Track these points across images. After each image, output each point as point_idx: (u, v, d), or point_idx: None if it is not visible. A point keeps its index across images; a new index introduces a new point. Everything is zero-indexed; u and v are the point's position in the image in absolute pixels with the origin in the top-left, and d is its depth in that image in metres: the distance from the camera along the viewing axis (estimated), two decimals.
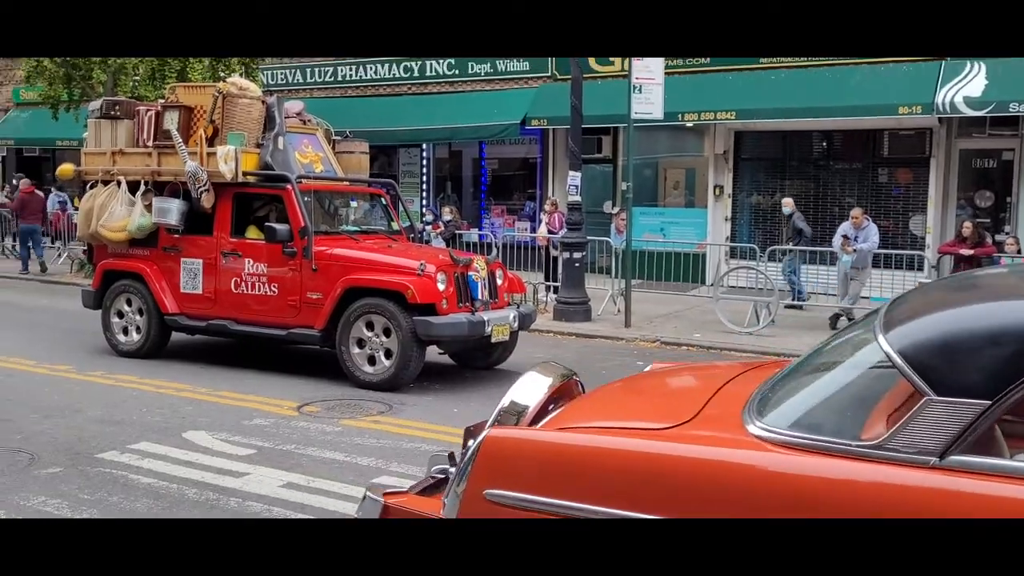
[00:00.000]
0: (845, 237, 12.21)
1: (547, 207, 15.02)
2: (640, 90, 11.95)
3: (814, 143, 16.00)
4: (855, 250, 12.08)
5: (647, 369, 4.17)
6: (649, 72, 11.92)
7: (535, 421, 3.17)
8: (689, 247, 15.22)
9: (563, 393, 3.45)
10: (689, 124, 15.69)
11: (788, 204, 14.03)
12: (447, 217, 15.38)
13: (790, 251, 13.27)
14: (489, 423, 3.19)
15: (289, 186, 8.89)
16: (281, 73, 19.76)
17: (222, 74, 15.48)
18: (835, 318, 12.42)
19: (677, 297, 14.19)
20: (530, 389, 3.26)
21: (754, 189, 16.28)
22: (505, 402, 3.21)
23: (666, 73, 12.42)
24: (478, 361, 9.36)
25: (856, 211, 12.47)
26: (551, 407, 3.28)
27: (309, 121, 10.18)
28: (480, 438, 2.90)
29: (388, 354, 8.35)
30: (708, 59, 15.59)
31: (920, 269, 12.82)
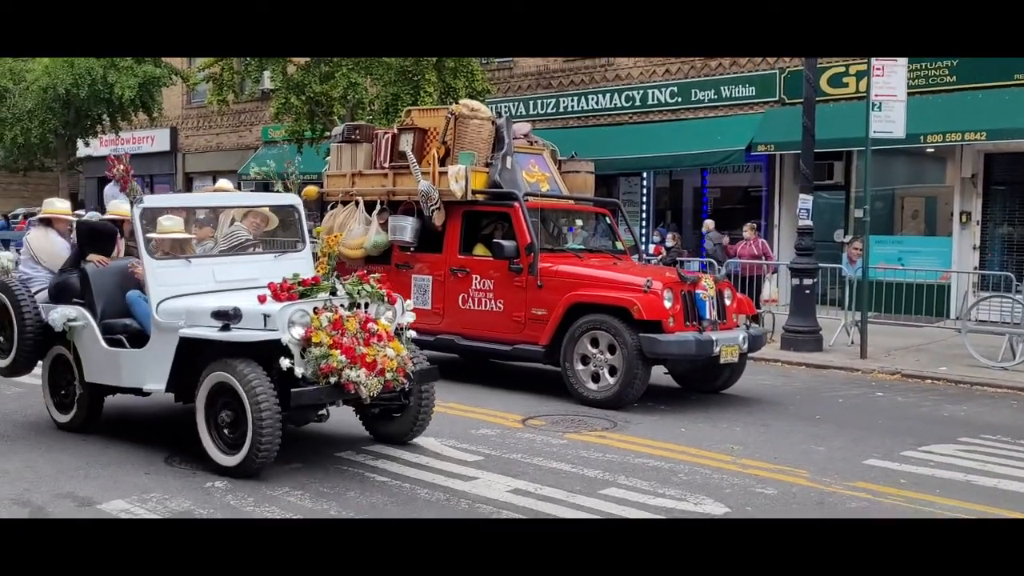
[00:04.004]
0: None
1: (746, 233, 14.39)
2: (880, 107, 11.25)
3: None
4: None
5: None
6: (890, 88, 11.21)
7: None
8: (932, 276, 14.11)
9: None
10: (930, 149, 14.67)
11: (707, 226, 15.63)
12: (669, 243, 15.11)
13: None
14: None
15: (516, 204, 8.97)
16: (505, 105, 20.24)
17: (451, 103, 16.05)
18: None
19: (916, 329, 13.17)
20: None
21: (1007, 216, 14.94)
22: None
23: (908, 93, 11.65)
24: (704, 384, 9.02)
25: None
26: None
27: (536, 142, 10.30)
28: None
29: (612, 371, 8.19)
30: (954, 77, 14.56)
31: None
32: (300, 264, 6.80)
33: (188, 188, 28.54)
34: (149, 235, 6.48)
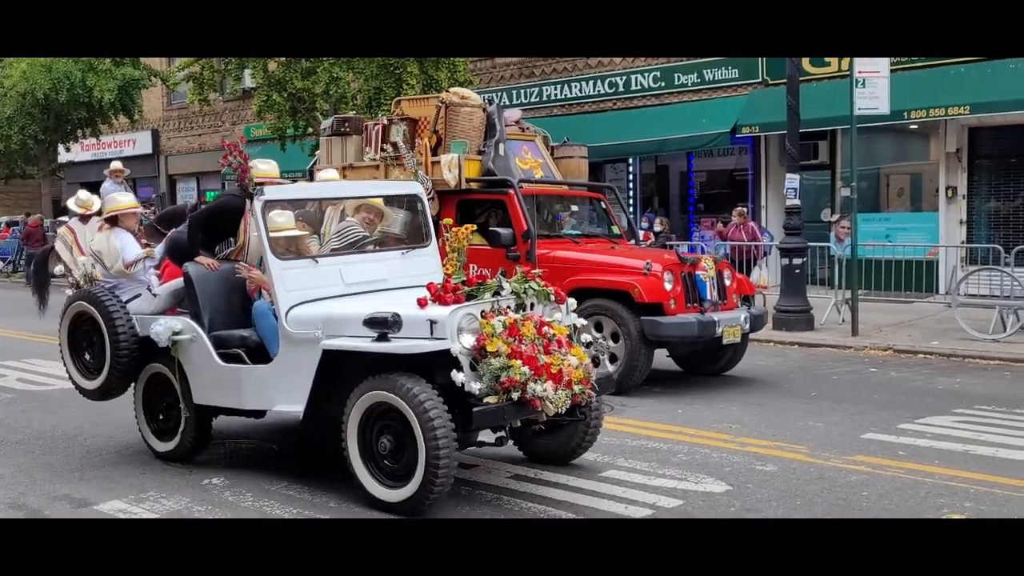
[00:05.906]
0: None
1: (735, 218, 14.40)
2: (864, 84, 11.25)
3: None
4: None
5: None
6: (873, 64, 11.21)
7: None
8: (919, 252, 14.15)
9: None
10: (914, 125, 14.69)
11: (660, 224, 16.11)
12: (658, 228, 15.11)
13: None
14: None
15: (511, 191, 8.91)
16: (487, 96, 20.16)
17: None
18: None
19: (906, 305, 13.23)
20: None
21: (992, 190, 14.99)
22: None
23: (891, 69, 11.65)
24: (705, 366, 8.99)
25: None
26: None
27: (528, 129, 10.27)
28: None
29: (612, 359, 8.15)
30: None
31: None
32: (429, 261, 6.08)
33: (172, 191, 28.39)
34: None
